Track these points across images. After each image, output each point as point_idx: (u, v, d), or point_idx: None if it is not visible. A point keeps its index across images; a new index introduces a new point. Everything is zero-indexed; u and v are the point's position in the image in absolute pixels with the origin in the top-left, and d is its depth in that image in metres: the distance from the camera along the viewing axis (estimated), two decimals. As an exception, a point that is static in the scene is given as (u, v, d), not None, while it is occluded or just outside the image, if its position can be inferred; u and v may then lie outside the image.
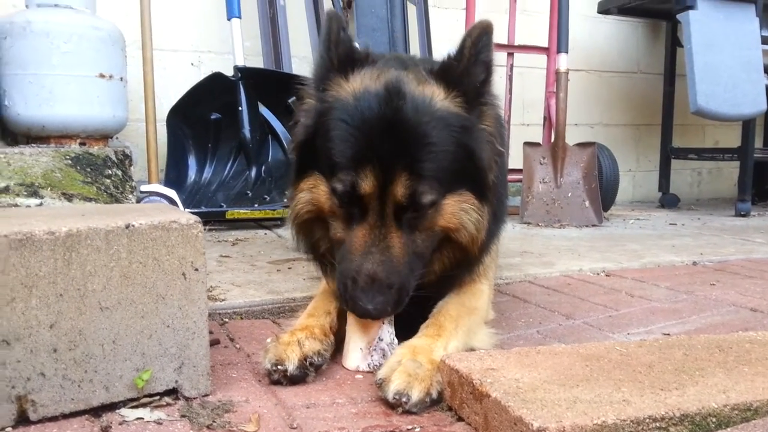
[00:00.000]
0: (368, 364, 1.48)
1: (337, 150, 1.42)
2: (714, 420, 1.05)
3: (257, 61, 4.20)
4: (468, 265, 1.62)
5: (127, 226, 1.20)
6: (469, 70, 1.47)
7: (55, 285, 1.13)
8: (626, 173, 5.65)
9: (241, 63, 3.96)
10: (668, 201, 5.44)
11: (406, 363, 1.30)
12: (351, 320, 1.51)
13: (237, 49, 3.98)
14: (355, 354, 1.49)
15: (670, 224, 4.30)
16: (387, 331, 1.49)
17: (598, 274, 2.66)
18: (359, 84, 1.46)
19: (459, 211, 1.48)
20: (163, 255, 1.23)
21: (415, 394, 1.24)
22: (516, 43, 4.68)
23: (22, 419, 1.11)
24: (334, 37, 1.51)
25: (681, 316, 2.01)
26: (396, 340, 1.49)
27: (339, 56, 1.51)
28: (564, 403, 1.05)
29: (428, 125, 1.42)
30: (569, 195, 4.19)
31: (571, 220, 4.10)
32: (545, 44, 4.54)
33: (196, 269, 1.27)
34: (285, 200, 3.71)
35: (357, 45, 1.59)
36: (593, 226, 4.06)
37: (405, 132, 1.40)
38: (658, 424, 1.02)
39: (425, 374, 1.28)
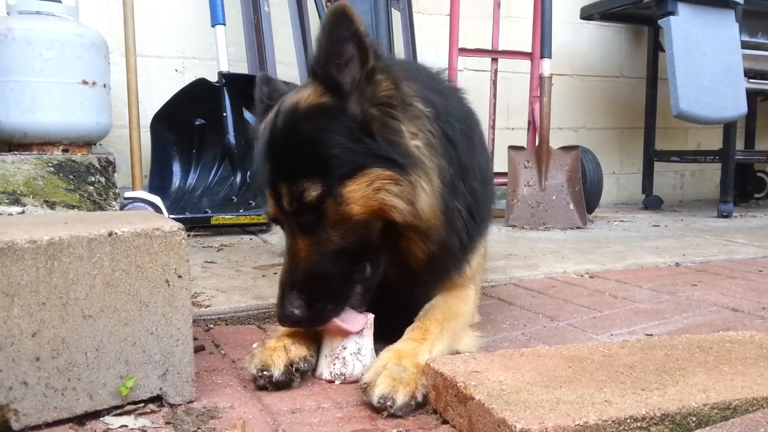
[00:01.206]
0: (330, 373, 1.45)
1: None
2: (694, 419, 1.06)
3: (242, 67, 4.20)
4: (448, 251, 1.57)
5: (110, 234, 1.19)
6: (328, 57, 1.40)
7: (37, 293, 1.12)
8: (610, 176, 5.70)
9: (225, 69, 3.96)
10: (651, 203, 5.50)
11: (391, 367, 1.31)
12: (323, 329, 1.50)
13: (221, 55, 3.98)
14: (320, 362, 1.48)
15: (654, 226, 4.34)
16: (353, 340, 1.46)
17: (582, 275, 2.68)
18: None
19: (372, 191, 1.39)
20: (146, 262, 1.23)
21: (400, 398, 1.25)
22: (500, 49, 4.72)
23: (5, 429, 1.11)
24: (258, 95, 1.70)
25: (663, 317, 2.04)
26: (367, 349, 1.47)
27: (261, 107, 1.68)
28: (547, 404, 1.06)
29: (287, 132, 1.44)
30: (554, 198, 4.22)
31: (555, 222, 4.12)
32: (529, 49, 4.58)
33: (180, 276, 1.27)
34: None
35: None
36: (578, 228, 4.09)
37: (274, 147, 1.45)
38: (639, 424, 1.03)
39: (410, 378, 1.29)
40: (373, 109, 1.41)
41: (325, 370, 1.46)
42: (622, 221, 4.59)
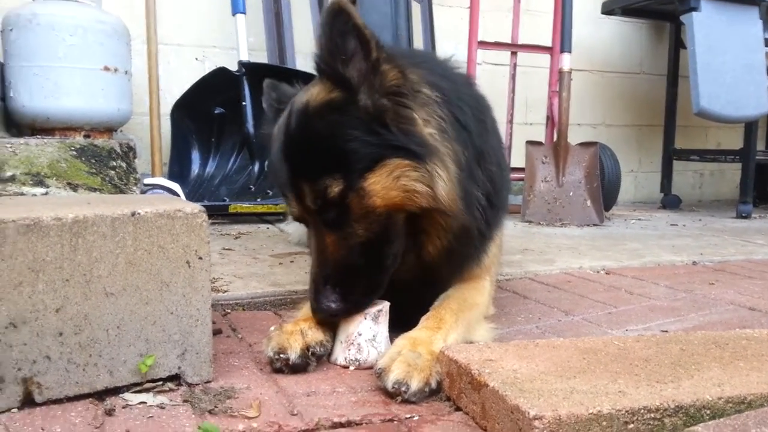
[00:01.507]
0: (345, 358, 1.47)
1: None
2: (708, 412, 1.06)
3: (261, 57, 4.22)
4: (467, 238, 1.58)
5: (133, 214, 1.21)
6: (332, 53, 1.40)
7: (61, 270, 1.14)
8: (628, 174, 5.66)
9: (245, 58, 3.98)
10: (670, 202, 5.45)
11: (406, 353, 1.32)
12: None
13: (241, 44, 4.00)
14: (335, 347, 1.50)
15: (671, 225, 4.31)
16: (368, 326, 1.47)
17: (598, 272, 2.67)
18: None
19: (392, 181, 1.41)
20: (167, 243, 1.25)
21: (414, 384, 1.26)
22: (519, 43, 4.70)
23: (28, 401, 1.13)
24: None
25: (679, 314, 2.03)
26: (382, 336, 1.49)
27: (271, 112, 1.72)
28: (560, 393, 1.07)
29: (302, 131, 1.46)
30: (571, 194, 4.20)
31: (572, 219, 4.11)
32: (549, 44, 4.56)
33: (200, 258, 1.29)
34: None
35: None
36: (594, 225, 4.07)
37: (291, 147, 1.48)
38: (652, 415, 1.03)
39: (424, 364, 1.30)
40: (383, 100, 1.42)
41: (340, 355, 1.48)
42: (639, 219, 4.56)
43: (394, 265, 1.52)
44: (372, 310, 1.48)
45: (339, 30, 1.38)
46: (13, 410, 1.12)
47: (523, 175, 4.27)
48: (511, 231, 3.74)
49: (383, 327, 1.50)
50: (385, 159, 1.41)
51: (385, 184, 1.41)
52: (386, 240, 1.47)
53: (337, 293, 1.44)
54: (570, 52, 4.27)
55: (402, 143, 1.41)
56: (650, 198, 5.91)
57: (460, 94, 1.63)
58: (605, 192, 4.35)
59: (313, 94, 1.47)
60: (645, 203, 5.84)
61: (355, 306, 1.46)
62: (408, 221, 1.48)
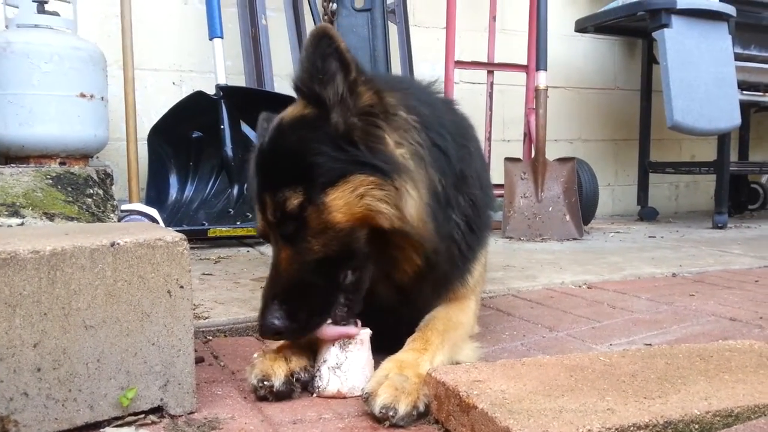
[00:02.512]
0: (315, 386, 1.43)
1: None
2: (697, 426, 1.06)
3: (239, 80, 4.22)
4: (442, 260, 1.55)
5: (113, 245, 1.19)
6: (311, 74, 1.41)
7: (39, 304, 1.12)
8: (605, 187, 5.73)
9: (223, 82, 3.97)
10: (647, 214, 5.52)
11: (393, 377, 1.30)
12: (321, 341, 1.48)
13: (219, 68, 4.00)
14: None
15: (650, 237, 4.35)
16: (334, 354, 1.43)
17: (580, 286, 2.68)
18: None
19: (356, 198, 1.38)
20: (148, 273, 1.23)
21: (402, 408, 1.24)
22: (496, 61, 4.75)
23: (5, 440, 1.10)
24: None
25: (662, 327, 2.04)
26: (351, 365, 1.42)
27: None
28: (550, 413, 1.06)
29: (272, 145, 1.47)
30: (550, 209, 4.23)
31: (552, 234, 4.14)
32: (524, 62, 4.62)
33: (182, 286, 1.27)
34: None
35: None
36: (574, 239, 4.10)
37: (262, 161, 1.49)
38: (642, 432, 1.03)
39: (412, 388, 1.29)
40: (354, 119, 1.41)
41: (310, 384, 1.44)
42: (618, 232, 4.61)
43: (359, 286, 1.47)
44: (348, 338, 1.43)
45: (321, 52, 1.38)
46: (-11, 450, 1.09)
47: (503, 192, 4.29)
48: (492, 247, 3.73)
49: (354, 356, 1.43)
50: (348, 175, 1.38)
51: (348, 200, 1.38)
52: (344, 258, 1.42)
53: (283, 311, 1.38)
54: (545, 69, 4.33)
55: (367, 159, 1.39)
56: (627, 211, 5.98)
57: (441, 119, 1.62)
58: (584, 206, 4.39)
59: (288, 112, 1.49)
60: (623, 216, 5.90)
61: (301, 326, 1.40)
62: (376, 240, 1.44)
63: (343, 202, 1.38)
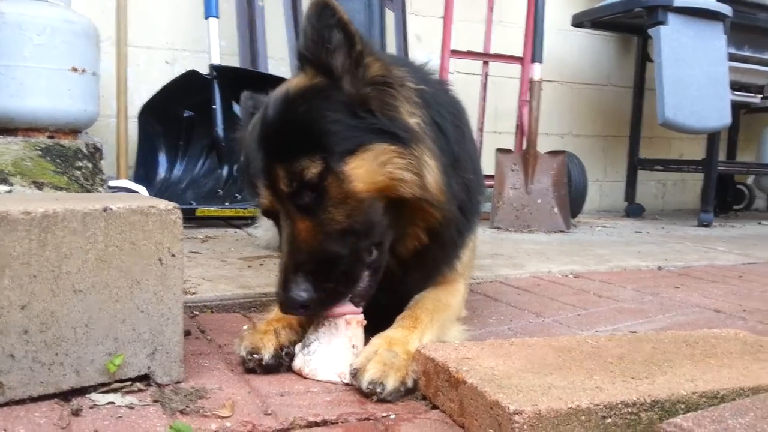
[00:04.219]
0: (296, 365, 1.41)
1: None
2: (683, 406, 1.08)
3: (233, 61, 4.18)
4: (448, 231, 1.55)
5: (105, 210, 1.18)
6: (316, 43, 1.39)
7: (28, 266, 1.11)
8: (594, 182, 5.75)
9: (217, 62, 3.94)
10: (633, 211, 5.55)
11: (382, 353, 1.31)
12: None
13: (213, 47, 3.97)
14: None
15: (636, 232, 4.38)
16: (309, 332, 1.41)
17: (566, 275, 2.70)
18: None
19: (378, 166, 1.36)
20: (140, 239, 1.22)
21: (390, 383, 1.24)
22: (491, 52, 4.75)
23: (-10, 401, 1.09)
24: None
25: (647, 316, 2.06)
26: (319, 346, 1.39)
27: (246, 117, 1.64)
28: (539, 389, 1.07)
29: (280, 115, 1.41)
30: (539, 201, 4.25)
31: (540, 225, 4.15)
32: (520, 54, 4.62)
33: (173, 255, 1.26)
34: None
35: None
36: (561, 232, 4.12)
37: (267, 134, 1.41)
38: (630, 410, 1.04)
39: (401, 364, 1.29)
40: (368, 88, 1.40)
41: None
42: (604, 227, 4.64)
43: (380, 264, 1.45)
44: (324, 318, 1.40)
45: (325, 23, 1.36)
46: (-26, 410, 1.08)
47: (493, 182, 4.30)
48: (480, 237, 3.75)
49: (324, 338, 1.39)
50: (368, 143, 1.35)
51: (369, 168, 1.35)
52: (366, 229, 1.38)
53: (309, 282, 1.32)
54: (541, 62, 4.34)
55: (387, 127, 1.37)
56: (614, 207, 6.01)
57: (438, 98, 1.61)
58: (572, 200, 4.41)
59: (293, 82, 1.45)
60: (609, 212, 5.93)
61: (328, 298, 1.35)
62: (390, 213, 1.41)
63: (364, 170, 1.35)
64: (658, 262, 3.06)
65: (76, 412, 1.11)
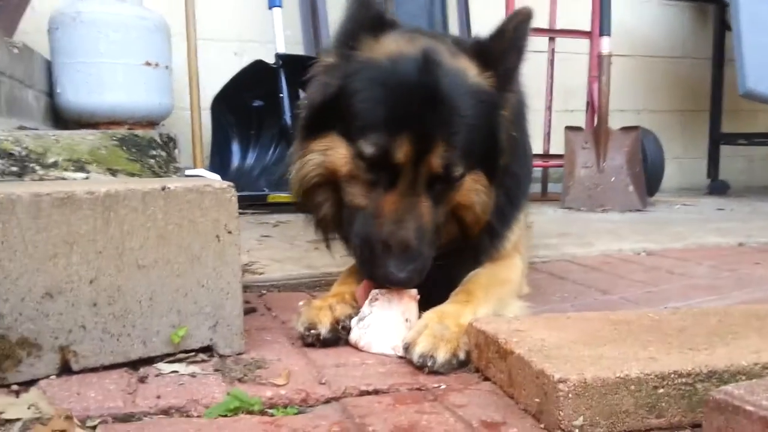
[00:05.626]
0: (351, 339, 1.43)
1: (369, 112, 1.40)
2: (743, 378, 1.03)
3: (297, 49, 4.26)
4: (468, 248, 1.62)
5: (163, 188, 1.24)
6: (505, 53, 1.48)
7: (94, 243, 1.18)
8: (673, 160, 5.51)
9: (282, 51, 4.02)
10: (717, 188, 5.30)
11: (433, 326, 1.31)
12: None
13: (278, 37, 4.05)
14: None
15: (718, 210, 4.18)
16: (367, 310, 1.43)
17: (639, 253, 2.61)
18: (393, 47, 1.44)
19: (472, 190, 1.49)
20: (197, 217, 1.27)
21: (441, 356, 1.25)
22: (557, 28, 4.62)
23: (65, 369, 1.17)
24: None
25: (721, 292, 1.97)
26: (373, 320, 1.41)
27: (371, 15, 1.47)
28: (588, 359, 1.05)
29: (463, 97, 1.43)
30: (612, 179, 4.12)
31: (613, 204, 4.03)
32: (588, 28, 4.47)
33: (230, 232, 1.31)
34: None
35: None
36: (637, 210, 3.99)
37: (442, 102, 1.40)
38: (684, 380, 1.00)
39: (451, 336, 1.29)
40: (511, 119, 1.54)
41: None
42: (684, 205, 4.44)
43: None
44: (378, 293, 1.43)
45: (517, 41, 1.48)
46: (51, 377, 1.16)
47: (562, 162, 4.20)
48: (549, 216, 3.69)
49: (378, 312, 1.41)
50: (479, 167, 1.49)
51: (469, 188, 1.49)
52: (440, 230, 1.49)
53: (411, 262, 1.36)
54: (609, 35, 4.18)
55: (495, 160, 1.52)
56: (696, 184, 5.74)
57: (519, 117, 1.68)
58: (648, 177, 4.25)
59: (468, 66, 1.47)
60: (691, 190, 5.68)
61: (410, 282, 1.39)
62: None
63: (466, 187, 1.49)
64: (739, 238, 2.91)
65: (142, 380, 1.18)
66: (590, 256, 2.54)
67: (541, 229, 3.11)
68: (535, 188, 4.58)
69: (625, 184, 4.09)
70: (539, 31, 4.56)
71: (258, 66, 4.03)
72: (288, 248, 2.58)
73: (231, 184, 1.33)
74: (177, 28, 3.97)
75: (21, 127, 2.44)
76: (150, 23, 3.52)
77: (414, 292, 1.44)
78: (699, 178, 5.68)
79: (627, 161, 4.13)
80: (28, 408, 0.99)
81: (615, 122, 4.33)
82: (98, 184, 1.24)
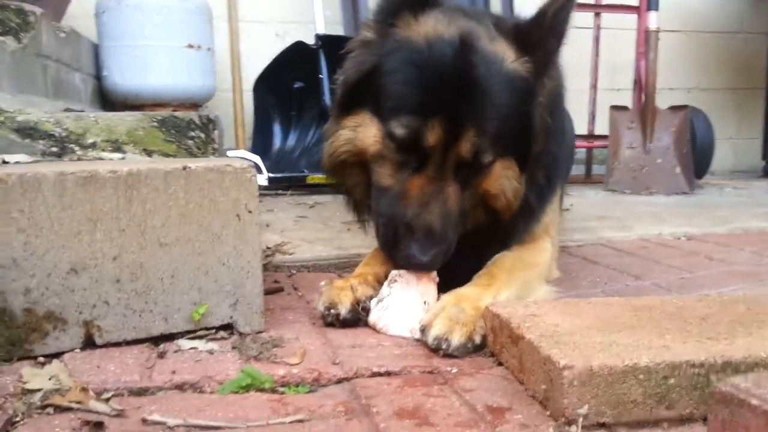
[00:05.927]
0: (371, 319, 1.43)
1: (403, 94, 1.41)
2: (761, 369, 0.99)
3: (337, 30, 4.25)
4: (495, 231, 1.60)
5: (184, 168, 1.27)
6: (544, 39, 1.45)
7: (117, 220, 1.22)
8: (726, 140, 5.31)
9: (322, 31, 4.02)
10: (772, 170, 5.09)
11: (449, 309, 1.31)
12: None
13: (318, 18, 4.06)
14: None
15: (771, 193, 4.02)
16: (386, 291, 1.43)
17: (678, 238, 2.54)
18: (431, 28, 1.43)
19: (503, 177, 1.48)
20: (218, 196, 1.30)
21: (455, 339, 1.25)
22: (603, 3, 4.48)
23: (89, 343, 1.22)
24: None
25: (761, 279, 1.90)
26: (392, 301, 1.41)
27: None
28: (598, 345, 1.03)
29: (498, 85, 1.42)
30: (658, 161, 4.00)
31: (659, 187, 3.91)
32: (635, 3, 4.32)
33: (250, 211, 1.33)
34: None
35: None
36: (683, 193, 3.87)
37: (476, 87, 1.40)
38: (696, 370, 0.98)
39: (467, 319, 1.28)
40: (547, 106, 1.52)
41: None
42: (735, 188, 4.28)
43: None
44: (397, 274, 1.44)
45: (557, 26, 1.45)
46: (75, 350, 1.21)
47: (607, 143, 4.10)
48: (590, 199, 3.61)
49: (396, 293, 1.42)
50: (510, 154, 1.48)
51: (498, 175, 1.48)
52: (466, 216, 1.50)
53: (435, 246, 1.38)
54: (657, 9, 4.03)
55: (527, 148, 1.50)
56: (751, 167, 5.52)
57: (556, 103, 1.64)
58: (696, 158, 4.11)
59: (506, 51, 1.45)
60: (745, 172, 5.46)
61: (434, 265, 1.41)
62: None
63: (495, 174, 1.48)
64: (788, 223, 2.80)
65: (161, 355, 1.22)
66: (627, 241, 2.48)
67: (580, 212, 3.06)
68: (579, 170, 4.47)
69: (671, 165, 3.97)
70: (584, 6, 4.45)
71: (298, 47, 4.04)
72: (321, 229, 2.61)
73: (251, 164, 1.35)
74: (219, 11, 4.02)
75: (67, 110, 2.52)
76: (192, 5, 3.57)
77: (434, 274, 1.44)
78: (753, 159, 5.45)
79: (674, 142, 4.00)
80: (50, 379, 1.04)
81: (664, 101, 4.19)
82: (121, 163, 1.27)
